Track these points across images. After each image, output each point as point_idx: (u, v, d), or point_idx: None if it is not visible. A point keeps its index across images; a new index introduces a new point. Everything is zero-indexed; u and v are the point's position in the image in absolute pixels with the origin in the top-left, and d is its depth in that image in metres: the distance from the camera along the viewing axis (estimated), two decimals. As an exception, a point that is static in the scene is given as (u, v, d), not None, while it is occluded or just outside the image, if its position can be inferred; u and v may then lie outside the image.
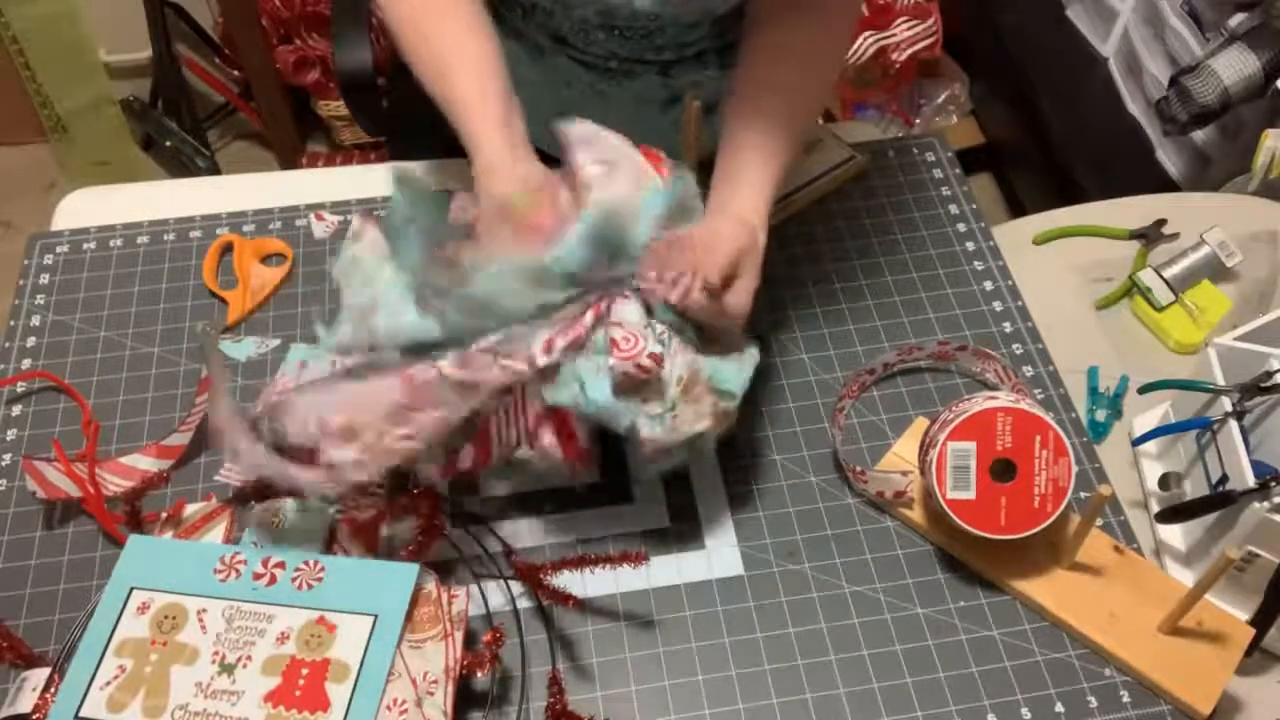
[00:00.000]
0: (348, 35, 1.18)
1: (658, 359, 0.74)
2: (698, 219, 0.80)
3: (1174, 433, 0.90)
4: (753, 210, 0.79)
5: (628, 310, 0.76)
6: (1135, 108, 1.76)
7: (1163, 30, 1.64)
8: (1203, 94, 1.47)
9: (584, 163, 0.76)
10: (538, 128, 0.82)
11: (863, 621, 0.81)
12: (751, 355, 0.80)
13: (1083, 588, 0.81)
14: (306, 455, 0.81)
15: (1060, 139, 1.95)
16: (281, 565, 0.75)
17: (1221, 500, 0.80)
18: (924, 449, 0.84)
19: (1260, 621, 0.79)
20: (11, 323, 0.97)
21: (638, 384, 0.75)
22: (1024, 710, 0.77)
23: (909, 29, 2.11)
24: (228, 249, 1.03)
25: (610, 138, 0.78)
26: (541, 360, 0.75)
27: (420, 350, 0.77)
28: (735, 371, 0.79)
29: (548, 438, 0.79)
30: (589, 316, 0.76)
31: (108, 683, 0.70)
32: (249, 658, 0.71)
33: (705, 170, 0.82)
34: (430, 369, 0.75)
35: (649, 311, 0.77)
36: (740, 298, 0.76)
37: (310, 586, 0.74)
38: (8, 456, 0.89)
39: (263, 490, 0.82)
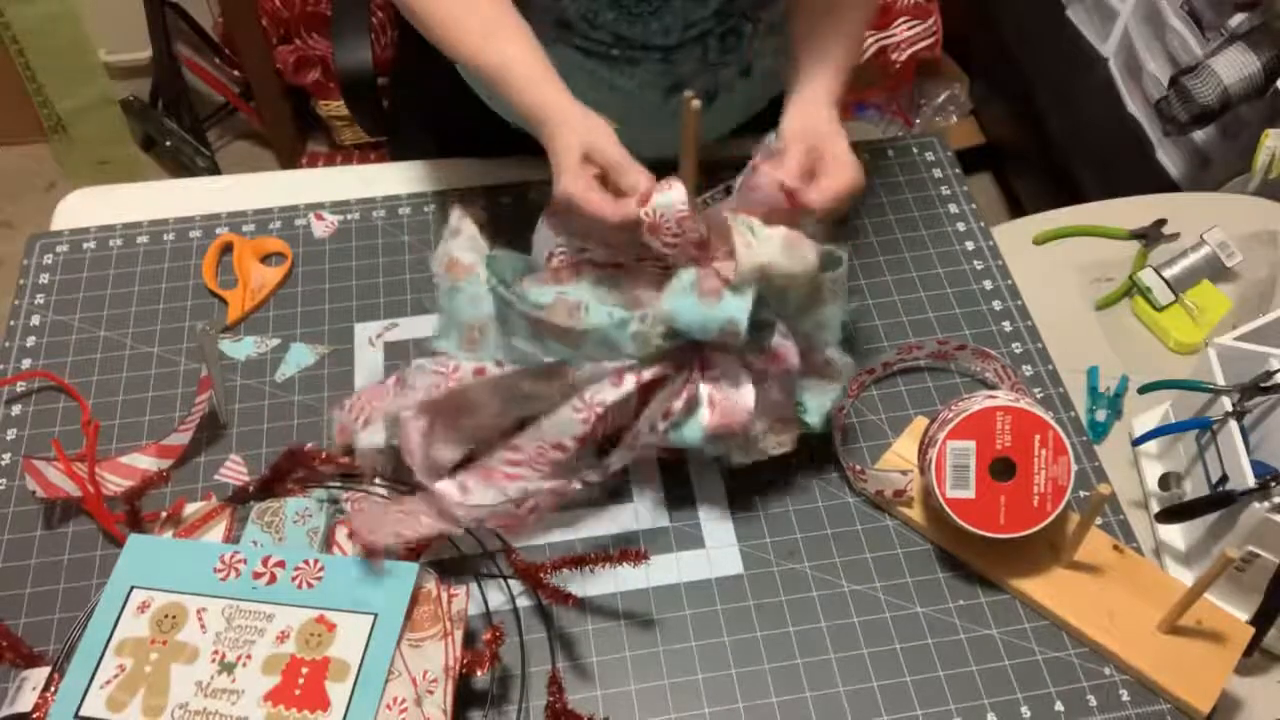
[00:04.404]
0: (348, 35, 1.18)
1: (748, 423, 0.79)
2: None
3: (1174, 433, 0.90)
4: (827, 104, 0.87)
5: (725, 367, 0.79)
6: (1135, 108, 1.76)
7: (1163, 30, 1.64)
8: (1203, 94, 1.47)
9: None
10: None
11: (862, 620, 0.81)
12: (844, 381, 0.86)
13: (1082, 587, 0.81)
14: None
15: (1060, 139, 1.95)
16: (281, 564, 0.75)
17: (1221, 500, 0.80)
18: (923, 448, 0.84)
19: (1260, 621, 0.79)
20: (11, 323, 0.97)
21: (730, 435, 0.80)
22: (1024, 709, 0.77)
23: (909, 29, 2.11)
24: (227, 249, 1.03)
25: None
26: (661, 426, 0.79)
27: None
28: (818, 406, 0.84)
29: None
30: (697, 374, 0.80)
31: (107, 682, 0.70)
32: (249, 656, 0.71)
33: (705, 172, 0.82)
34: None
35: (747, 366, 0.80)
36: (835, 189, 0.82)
37: (310, 585, 0.74)
38: (8, 456, 0.89)
39: (263, 488, 0.83)
